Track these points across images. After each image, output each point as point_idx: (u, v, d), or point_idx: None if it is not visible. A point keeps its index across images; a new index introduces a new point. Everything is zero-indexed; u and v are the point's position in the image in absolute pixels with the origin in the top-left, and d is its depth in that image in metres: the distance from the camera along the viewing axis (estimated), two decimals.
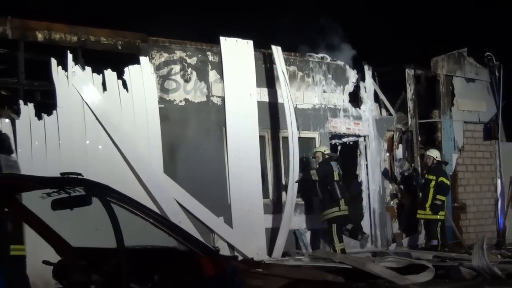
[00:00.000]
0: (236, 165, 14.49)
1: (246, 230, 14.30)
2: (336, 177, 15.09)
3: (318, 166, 15.40)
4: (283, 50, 15.78)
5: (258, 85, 15.14)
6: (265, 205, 14.89)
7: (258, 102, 15.01)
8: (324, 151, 15.37)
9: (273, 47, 15.31)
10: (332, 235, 14.98)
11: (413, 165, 17.81)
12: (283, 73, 15.22)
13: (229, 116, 14.52)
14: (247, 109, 14.76)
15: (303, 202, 15.72)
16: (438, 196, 15.97)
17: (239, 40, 14.89)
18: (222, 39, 14.63)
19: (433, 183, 16.04)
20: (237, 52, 14.80)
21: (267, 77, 15.52)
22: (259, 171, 14.80)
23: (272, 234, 14.77)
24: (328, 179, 14.99)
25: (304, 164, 15.84)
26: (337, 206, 14.95)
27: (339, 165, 15.48)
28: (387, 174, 17.56)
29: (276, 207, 15.12)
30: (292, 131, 15.08)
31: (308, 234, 15.62)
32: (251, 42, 14.95)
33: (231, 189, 14.40)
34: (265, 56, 15.50)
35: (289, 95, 15.17)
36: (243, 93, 14.75)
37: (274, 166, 15.49)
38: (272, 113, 15.46)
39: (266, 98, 15.34)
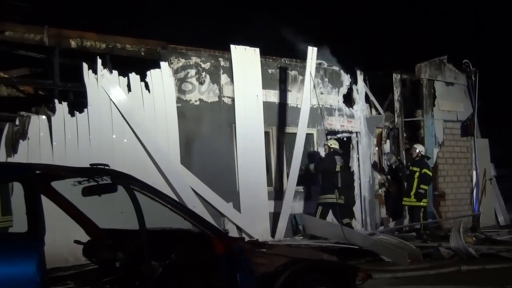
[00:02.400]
0: (244, 157, 14.46)
1: (252, 214, 14.29)
2: (338, 169, 15.08)
3: (324, 156, 15.58)
4: (285, 56, 15.79)
5: (264, 87, 15.12)
6: (269, 192, 14.87)
7: (264, 102, 14.99)
8: (331, 145, 15.37)
9: (310, 48, 15.22)
10: (315, 215, 15.00)
11: (399, 158, 17.78)
12: (310, 74, 15.16)
13: (238, 114, 14.50)
14: (254, 108, 14.73)
15: (302, 190, 15.69)
16: (422, 186, 15.96)
17: (247, 48, 14.83)
18: (232, 47, 14.59)
19: (417, 174, 16.03)
20: (245, 58, 14.75)
21: (273, 80, 15.50)
22: (264, 163, 14.80)
23: (275, 218, 14.74)
24: (330, 170, 14.96)
25: (310, 156, 15.92)
26: (333, 194, 14.93)
27: (342, 159, 15.51)
28: (376, 166, 17.55)
29: (278, 194, 15.09)
30: (303, 128, 15.12)
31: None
32: (257, 50, 14.89)
33: (240, 178, 14.39)
34: (269, 62, 15.50)
35: (310, 95, 15.19)
36: (250, 94, 14.72)
37: (277, 158, 15.46)
38: (276, 112, 15.44)
39: (271, 99, 15.31)
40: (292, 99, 15.68)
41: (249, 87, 14.76)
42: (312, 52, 15.26)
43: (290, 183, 14.95)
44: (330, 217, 15.32)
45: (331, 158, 15.17)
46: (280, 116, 15.52)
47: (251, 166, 14.51)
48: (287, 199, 14.85)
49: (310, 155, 15.98)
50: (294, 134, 15.20)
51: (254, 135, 14.66)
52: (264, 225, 14.48)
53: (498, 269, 11.81)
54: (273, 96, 15.41)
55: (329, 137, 16.07)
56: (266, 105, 15.13)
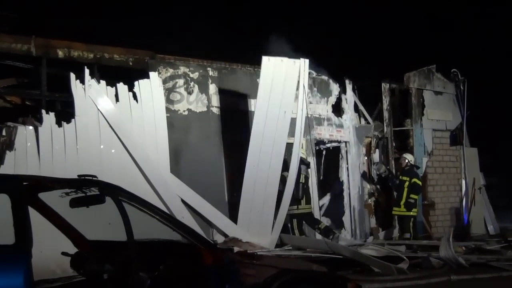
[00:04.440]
0: (251, 172, 14.02)
1: (252, 226, 14.04)
2: (302, 179, 14.96)
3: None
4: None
5: (255, 97, 15.10)
6: None
7: (252, 112, 14.98)
8: (302, 154, 15.25)
9: (302, 60, 14.63)
10: (294, 229, 15.00)
11: (388, 167, 17.83)
12: (304, 86, 14.71)
13: (256, 128, 14.11)
14: (277, 123, 14.32)
15: None
16: (412, 195, 16.07)
17: (285, 59, 14.41)
18: (265, 58, 14.10)
19: (407, 183, 16.14)
20: (279, 70, 14.32)
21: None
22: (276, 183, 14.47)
23: None
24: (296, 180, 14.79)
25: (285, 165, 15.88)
26: (296, 205, 14.91)
27: (308, 169, 15.43)
28: (365, 176, 17.59)
29: None
30: (299, 138, 14.82)
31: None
32: (306, 61, 14.62)
33: (243, 193, 13.96)
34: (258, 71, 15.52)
35: (305, 106, 14.87)
36: (275, 109, 14.29)
37: None
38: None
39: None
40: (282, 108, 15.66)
41: (275, 102, 14.22)
42: (304, 64, 14.74)
43: (287, 193, 14.59)
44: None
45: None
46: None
47: (260, 183, 14.08)
48: (282, 209, 14.52)
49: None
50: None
51: (271, 153, 14.21)
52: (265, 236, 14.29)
53: (488, 278, 11.84)
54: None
55: (328, 145, 16.13)
56: (251, 114, 15.16)
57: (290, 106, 14.45)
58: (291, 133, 14.85)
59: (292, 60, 14.43)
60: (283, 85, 14.30)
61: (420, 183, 16.55)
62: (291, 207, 14.77)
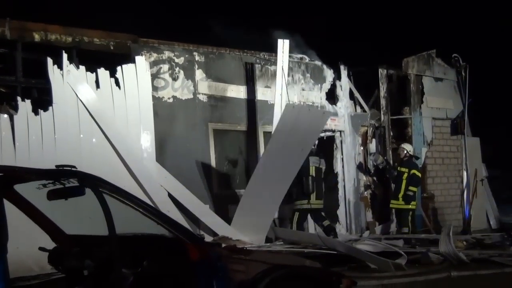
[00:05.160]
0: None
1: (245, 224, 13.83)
2: (311, 172, 14.93)
3: None
4: (264, 50, 15.83)
5: (238, 82, 15.17)
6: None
7: (237, 99, 15.08)
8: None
9: (280, 41, 14.74)
10: (292, 223, 14.92)
11: (386, 158, 17.87)
12: (282, 69, 14.71)
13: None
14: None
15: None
16: (410, 188, 16.08)
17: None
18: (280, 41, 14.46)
19: (405, 175, 16.13)
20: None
21: (248, 76, 15.55)
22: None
23: None
24: (303, 173, 14.67)
25: None
26: (307, 200, 14.92)
27: (322, 159, 15.37)
28: (361, 167, 17.62)
29: None
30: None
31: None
32: None
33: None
34: (246, 56, 15.53)
35: (284, 92, 14.72)
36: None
37: (248, 159, 15.46)
38: (251, 110, 15.51)
39: (244, 96, 15.40)
40: (272, 95, 15.68)
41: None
42: (283, 44, 14.78)
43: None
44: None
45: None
46: (259, 114, 15.54)
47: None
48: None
49: None
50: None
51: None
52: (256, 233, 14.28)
53: (490, 275, 11.87)
54: (251, 93, 15.41)
55: (336, 131, 16.19)
56: (244, 102, 15.19)
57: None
58: (269, 121, 14.99)
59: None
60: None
61: (419, 174, 16.56)
62: (300, 202, 14.76)
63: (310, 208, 14.86)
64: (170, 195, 13.40)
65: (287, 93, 14.97)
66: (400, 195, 16.07)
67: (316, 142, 15.55)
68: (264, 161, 13.37)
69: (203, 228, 13.78)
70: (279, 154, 13.04)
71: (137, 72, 13.31)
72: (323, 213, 15.31)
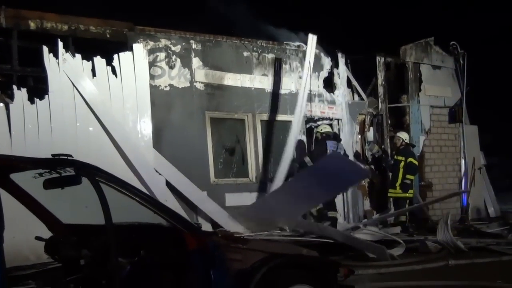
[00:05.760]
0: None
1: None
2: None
3: (314, 145, 15.73)
4: (261, 38, 15.82)
5: (239, 71, 15.17)
6: (243, 184, 14.95)
7: (235, 87, 15.11)
8: (321, 130, 15.48)
9: (310, 36, 15.44)
10: (322, 210, 15.13)
11: (383, 146, 17.89)
12: (309, 63, 15.26)
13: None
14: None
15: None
16: (408, 176, 16.07)
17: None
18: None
19: (402, 163, 16.12)
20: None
21: (249, 64, 15.51)
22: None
23: None
24: (320, 157, 14.76)
25: (301, 147, 15.99)
26: None
27: (341, 143, 15.59)
28: (359, 155, 17.61)
29: (260, 187, 15.12)
30: (300, 116, 15.25)
31: None
32: None
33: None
34: (245, 45, 15.51)
35: (308, 84, 15.33)
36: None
37: (255, 148, 15.47)
38: (253, 98, 15.46)
39: (246, 84, 15.34)
40: (269, 83, 15.68)
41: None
42: (312, 40, 15.45)
43: (280, 175, 14.78)
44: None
45: (321, 144, 15.22)
46: (257, 102, 15.53)
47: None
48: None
49: (300, 148, 15.99)
50: (271, 122, 15.21)
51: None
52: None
53: (487, 263, 11.93)
54: (249, 81, 15.39)
55: (319, 123, 16.18)
56: (241, 90, 15.19)
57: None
58: (290, 110, 15.31)
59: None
60: None
61: (416, 163, 16.58)
62: None
63: None
64: (167, 183, 13.43)
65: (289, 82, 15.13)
66: (397, 184, 16.09)
67: (327, 128, 15.84)
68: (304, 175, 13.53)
69: (201, 216, 13.84)
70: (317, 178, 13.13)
71: (134, 60, 13.31)
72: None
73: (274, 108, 15.55)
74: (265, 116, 15.44)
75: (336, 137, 15.54)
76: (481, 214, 19.83)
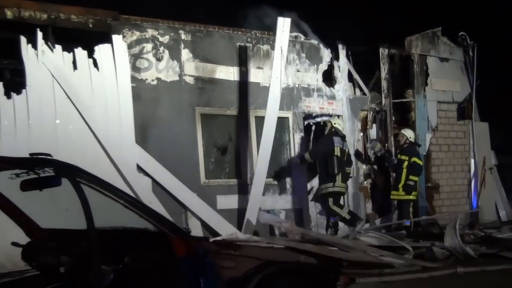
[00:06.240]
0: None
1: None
2: (337, 152, 15.20)
3: (320, 139, 15.81)
4: (256, 29, 15.82)
5: (229, 63, 15.17)
6: (236, 185, 15.01)
7: (230, 81, 15.12)
8: (334, 123, 15.58)
9: (280, 19, 14.89)
10: (330, 208, 15.22)
11: (387, 145, 17.89)
12: (281, 50, 14.84)
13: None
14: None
15: (276, 183, 15.75)
16: (411, 177, 16.04)
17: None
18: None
19: (405, 163, 16.10)
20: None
21: (241, 56, 15.52)
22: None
23: (241, 215, 14.69)
24: (328, 154, 15.11)
25: (303, 143, 16.22)
26: (332, 182, 15.10)
27: (345, 142, 15.73)
28: (360, 155, 17.64)
29: (248, 187, 15.09)
30: (272, 111, 14.88)
31: (282, 215, 15.60)
32: None
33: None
34: (236, 35, 15.51)
35: (283, 74, 14.97)
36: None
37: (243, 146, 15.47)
38: (243, 92, 15.48)
39: (236, 77, 15.36)
40: (264, 77, 15.67)
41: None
42: (283, 23, 14.90)
43: (258, 174, 14.70)
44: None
45: (327, 139, 15.36)
46: (250, 97, 15.52)
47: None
48: (254, 192, 14.64)
49: (301, 144, 16.20)
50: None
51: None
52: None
53: (499, 271, 11.94)
54: (242, 74, 15.39)
55: (317, 119, 16.27)
56: (234, 84, 15.19)
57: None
58: (286, 106, 15.40)
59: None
60: None
61: (420, 162, 16.49)
62: (325, 185, 15.01)
63: (333, 191, 15.19)
64: (154, 184, 13.44)
65: (286, 75, 15.09)
66: (400, 185, 16.06)
67: (341, 125, 15.93)
68: None
69: (189, 217, 13.87)
70: None
71: (114, 52, 13.27)
72: (342, 201, 15.51)
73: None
74: (260, 112, 15.41)
75: (343, 137, 15.59)
76: (492, 217, 19.86)
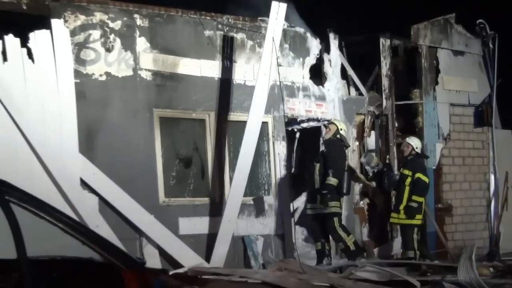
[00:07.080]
0: None
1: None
2: (347, 167, 15.44)
3: (326, 148, 15.83)
4: (228, 13, 15.87)
5: (198, 56, 15.22)
6: (203, 205, 15.00)
7: (198, 77, 15.14)
8: (341, 130, 15.53)
9: (274, 3, 14.86)
10: (335, 231, 15.19)
11: (388, 157, 17.92)
12: (273, 40, 14.90)
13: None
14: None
15: (252, 203, 15.76)
16: (414, 197, 15.78)
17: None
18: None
19: (408, 179, 15.87)
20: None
21: (211, 47, 15.56)
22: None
23: (211, 241, 14.71)
24: (340, 168, 15.17)
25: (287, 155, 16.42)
26: (339, 201, 15.24)
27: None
28: (353, 172, 17.55)
29: (217, 208, 15.10)
30: (256, 115, 14.87)
31: (260, 242, 15.57)
32: None
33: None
34: (206, 21, 15.55)
35: (273, 70, 15.01)
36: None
37: (217, 157, 15.48)
38: (216, 91, 15.49)
39: (208, 73, 15.37)
40: (239, 72, 15.69)
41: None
42: (277, 9, 14.94)
43: (234, 193, 14.70)
44: None
45: (341, 151, 15.48)
46: (221, 97, 15.54)
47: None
48: (228, 214, 14.65)
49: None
50: (241, 123, 15.19)
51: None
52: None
53: None
54: (211, 69, 15.41)
55: (303, 125, 16.37)
56: (201, 81, 15.21)
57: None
58: (242, 107, 15.44)
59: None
60: None
61: (426, 180, 16.18)
62: (332, 203, 15.00)
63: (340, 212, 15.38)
64: (101, 201, 13.43)
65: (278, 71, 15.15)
66: (402, 207, 15.83)
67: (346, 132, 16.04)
68: None
69: (144, 244, 13.88)
70: None
71: (53, 41, 13.24)
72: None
73: (243, 104, 15.55)
74: (234, 116, 15.42)
75: (347, 146, 15.74)
76: None
